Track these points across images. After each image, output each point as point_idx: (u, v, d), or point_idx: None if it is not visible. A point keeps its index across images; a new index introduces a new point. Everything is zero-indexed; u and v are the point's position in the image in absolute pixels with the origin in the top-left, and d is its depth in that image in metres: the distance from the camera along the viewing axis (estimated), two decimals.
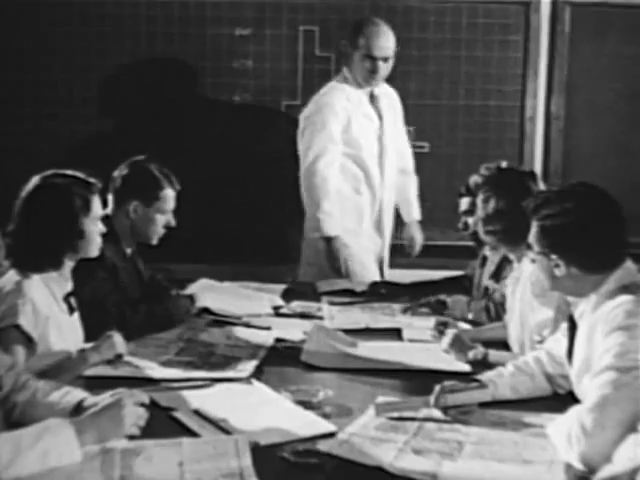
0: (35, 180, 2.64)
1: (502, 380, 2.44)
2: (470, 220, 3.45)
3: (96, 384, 2.37)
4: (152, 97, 4.61)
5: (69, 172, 2.70)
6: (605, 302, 2.14)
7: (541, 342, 2.73)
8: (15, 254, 2.52)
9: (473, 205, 3.32)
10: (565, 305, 2.66)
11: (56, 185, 2.63)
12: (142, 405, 2.10)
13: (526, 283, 2.86)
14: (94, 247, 2.70)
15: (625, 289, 2.14)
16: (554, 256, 2.22)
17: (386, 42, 4.02)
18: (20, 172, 2.62)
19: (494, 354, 2.83)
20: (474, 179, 3.21)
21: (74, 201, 2.61)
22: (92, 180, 2.71)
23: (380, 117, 4.16)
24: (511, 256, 3.03)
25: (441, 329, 3.08)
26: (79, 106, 4.58)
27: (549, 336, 2.70)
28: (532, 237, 2.28)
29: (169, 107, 4.62)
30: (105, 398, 2.07)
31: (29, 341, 2.45)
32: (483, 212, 2.99)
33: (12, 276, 2.53)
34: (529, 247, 2.34)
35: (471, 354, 2.83)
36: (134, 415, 2.00)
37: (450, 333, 2.95)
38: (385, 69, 4.06)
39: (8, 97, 4.54)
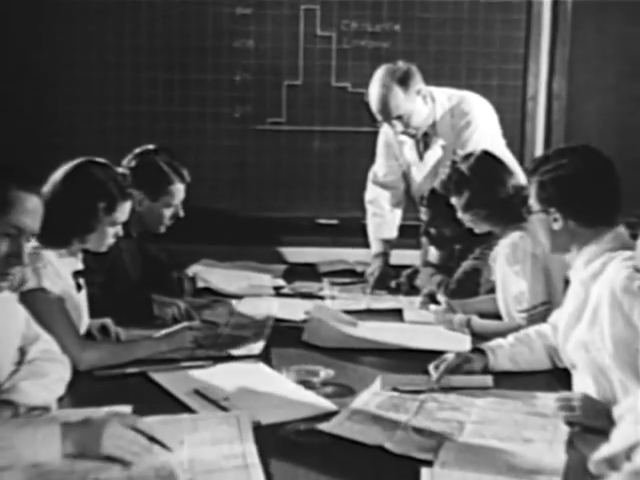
0: (77, 162, 2.65)
1: (501, 350, 2.51)
2: (432, 230, 3.58)
3: None
4: (152, 77, 4.60)
5: (116, 169, 2.72)
6: (605, 261, 2.16)
7: (523, 312, 2.85)
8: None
9: (432, 217, 3.53)
10: (544, 275, 2.83)
11: (93, 176, 2.63)
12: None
13: (502, 256, 2.96)
14: (103, 245, 2.69)
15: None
16: (552, 209, 2.27)
17: (382, 106, 3.68)
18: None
19: (476, 321, 2.97)
20: (440, 181, 3.23)
21: (101, 198, 2.60)
22: (129, 189, 2.70)
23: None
24: (496, 232, 3.11)
25: (427, 300, 3.27)
26: (78, 87, 4.56)
27: (527, 306, 2.84)
28: (531, 196, 2.34)
29: (169, 87, 4.61)
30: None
31: (58, 300, 2.48)
32: (461, 202, 3.09)
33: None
34: (529, 212, 2.36)
35: (456, 319, 2.98)
36: (115, 437, 1.80)
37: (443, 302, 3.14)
38: (403, 124, 3.73)
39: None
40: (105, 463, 1.76)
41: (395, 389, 2.30)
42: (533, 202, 2.34)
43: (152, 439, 1.83)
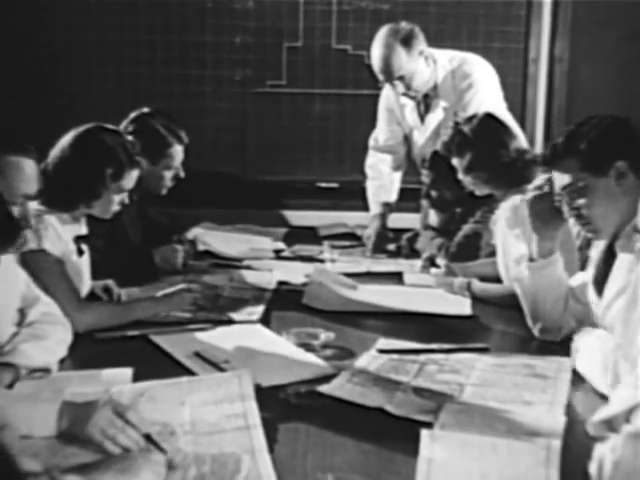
0: (87, 127, 2.64)
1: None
2: (433, 192, 3.56)
3: None
4: (151, 39, 4.57)
5: (126, 136, 2.72)
6: None
7: None
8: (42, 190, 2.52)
9: (434, 180, 3.51)
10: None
11: (102, 142, 2.62)
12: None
13: (502, 219, 2.94)
14: (108, 211, 2.69)
15: None
16: (619, 162, 2.16)
17: (384, 66, 3.65)
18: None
19: (476, 284, 2.98)
20: (442, 142, 3.21)
21: (109, 164, 2.60)
22: (138, 157, 2.69)
23: None
24: (497, 195, 3.10)
25: (428, 264, 3.31)
26: (76, 50, 4.53)
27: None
28: (582, 169, 2.21)
29: (168, 50, 4.58)
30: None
31: (58, 262, 2.49)
32: (463, 164, 3.07)
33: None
34: (581, 192, 2.29)
35: (456, 283, 3.00)
36: (105, 421, 1.70)
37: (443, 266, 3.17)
38: (405, 86, 3.70)
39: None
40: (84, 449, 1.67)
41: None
42: (590, 167, 2.18)
43: (148, 438, 1.68)
